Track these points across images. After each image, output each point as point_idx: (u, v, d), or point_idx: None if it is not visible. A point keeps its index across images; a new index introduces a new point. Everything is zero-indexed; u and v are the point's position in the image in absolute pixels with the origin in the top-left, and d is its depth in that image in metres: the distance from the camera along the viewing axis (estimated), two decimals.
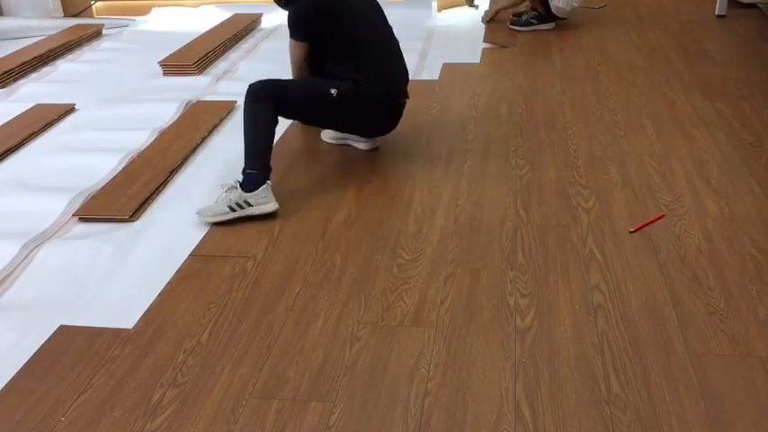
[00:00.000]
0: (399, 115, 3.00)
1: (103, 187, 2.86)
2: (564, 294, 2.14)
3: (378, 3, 3.00)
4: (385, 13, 3.00)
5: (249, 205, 2.55)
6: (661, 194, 2.65)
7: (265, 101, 2.67)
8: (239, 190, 2.56)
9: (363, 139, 3.10)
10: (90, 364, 1.95)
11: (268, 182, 2.58)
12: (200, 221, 2.59)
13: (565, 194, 2.68)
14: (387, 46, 2.93)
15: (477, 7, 5.24)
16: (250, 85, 2.70)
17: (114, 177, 2.93)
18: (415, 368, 1.88)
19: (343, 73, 2.81)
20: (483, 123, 3.34)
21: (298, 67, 2.93)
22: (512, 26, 4.72)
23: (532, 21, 4.67)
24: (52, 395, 1.85)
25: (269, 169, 2.62)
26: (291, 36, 2.88)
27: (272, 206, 2.58)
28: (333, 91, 2.76)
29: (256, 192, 2.55)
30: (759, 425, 1.67)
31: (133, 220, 2.65)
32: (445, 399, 1.78)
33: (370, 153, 3.09)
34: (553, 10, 4.59)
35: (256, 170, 2.58)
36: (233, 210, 2.55)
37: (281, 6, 2.96)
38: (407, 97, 3.01)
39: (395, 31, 3.02)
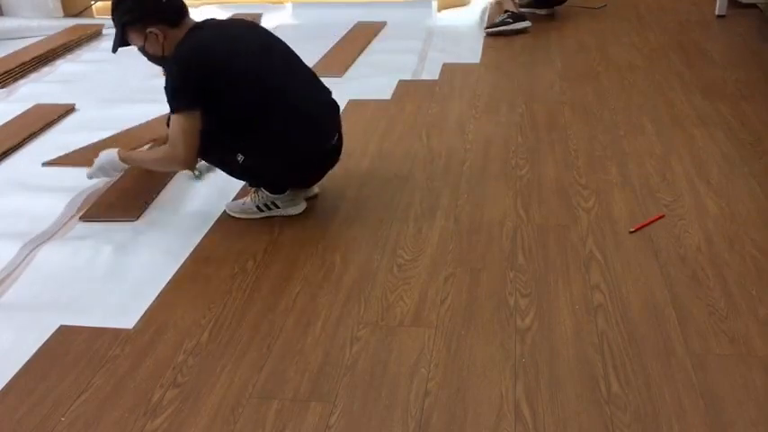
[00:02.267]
0: (338, 153, 2.56)
1: (107, 189, 2.86)
2: (564, 294, 2.14)
3: (270, 37, 2.50)
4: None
5: (276, 207, 2.54)
6: (661, 194, 2.65)
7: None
8: (266, 192, 2.53)
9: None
10: (90, 364, 1.95)
11: None
12: (200, 222, 2.59)
13: (565, 194, 2.68)
14: (295, 98, 2.40)
15: None
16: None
17: (117, 178, 2.93)
18: (415, 368, 1.88)
19: (244, 144, 2.37)
20: (483, 123, 3.34)
21: (194, 147, 2.31)
22: (487, 29, 4.60)
23: (508, 20, 4.56)
24: (52, 395, 1.85)
25: None
26: (176, 108, 2.26)
27: (300, 208, 2.57)
28: (239, 157, 2.38)
29: (285, 194, 2.54)
30: (759, 425, 1.67)
31: (133, 220, 2.65)
32: (445, 399, 1.78)
33: (369, 154, 3.08)
34: None
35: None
36: (261, 210, 2.54)
37: (158, 64, 2.44)
38: (339, 132, 2.54)
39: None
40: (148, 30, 2.30)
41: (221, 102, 2.29)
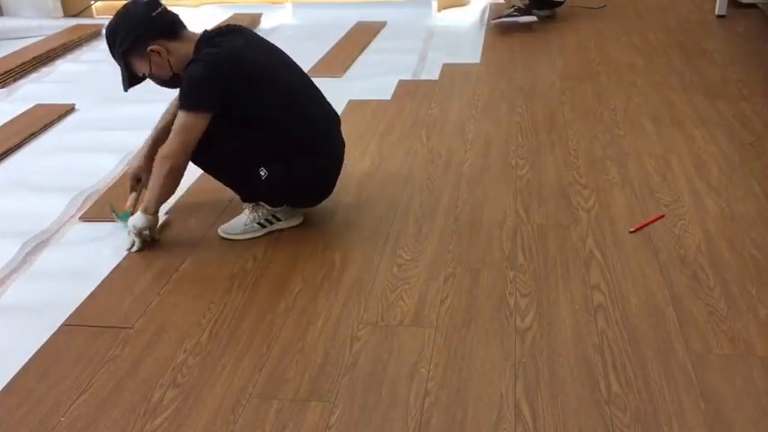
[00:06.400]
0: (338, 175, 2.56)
1: (107, 189, 2.86)
2: (564, 294, 2.14)
3: (275, 47, 2.49)
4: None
5: (278, 220, 2.51)
6: (661, 194, 2.65)
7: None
8: (266, 206, 2.49)
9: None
10: (90, 364, 1.95)
11: None
12: (200, 221, 2.59)
13: (565, 194, 2.68)
14: (311, 108, 2.45)
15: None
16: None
17: (117, 178, 2.94)
18: (415, 368, 1.88)
19: (264, 153, 2.34)
20: (483, 123, 3.34)
21: (188, 150, 2.27)
22: (494, 20, 4.66)
23: (514, 14, 4.63)
24: (52, 395, 1.85)
25: None
26: (190, 106, 2.23)
27: (298, 218, 2.54)
28: (262, 172, 2.33)
29: (283, 206, 2.51)
30: (759, 425, 1.67)
31: None
32: (445, 399, 1.78)
33: (369, 154, 3.08)
34: None
35: None
36: (263, 226, 2.49)
37: (171, 85, 2.40)
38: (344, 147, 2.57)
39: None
40: (149, 48, 2.28)
41: (244, 107, 2.28)
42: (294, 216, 2.54)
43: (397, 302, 2.14)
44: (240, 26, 2.49)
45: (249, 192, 2.49)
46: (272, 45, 2.50)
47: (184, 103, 2.24)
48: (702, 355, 1.88)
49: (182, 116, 2.25)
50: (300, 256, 2.39)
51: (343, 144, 2.57)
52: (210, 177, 2.55)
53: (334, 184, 2.56)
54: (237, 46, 2.32)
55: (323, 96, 2.53)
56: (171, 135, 2.28)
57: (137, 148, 3.19)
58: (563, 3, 4.85)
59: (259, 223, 2.49)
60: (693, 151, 2.97)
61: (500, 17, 4.67)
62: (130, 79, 2.38)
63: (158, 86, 2.46)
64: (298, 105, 2.40)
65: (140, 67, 2.34)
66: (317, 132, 2.45)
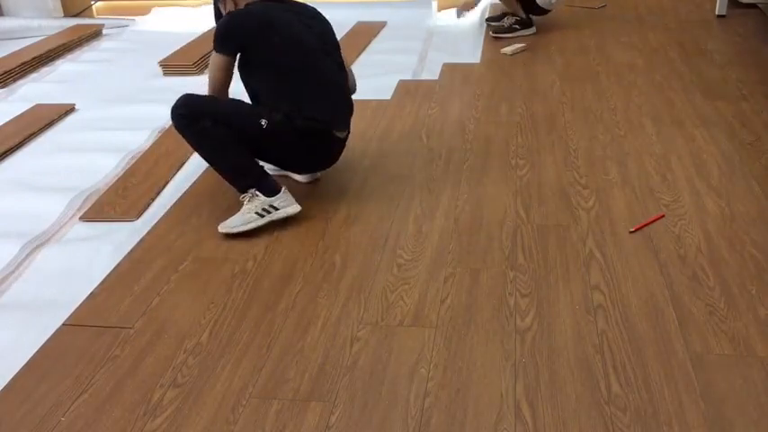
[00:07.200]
0: (340, 150, 2.75)
1: (107, 189, 2.86)
2: (564, 294, 2.14)
3: (321, 24, 2.77)
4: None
5: (275, 209, 2.52)
6: (661, 194, 2.65)
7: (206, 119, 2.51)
8: (262, 197, 2.51)
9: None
10: (90, 364, 1.95)
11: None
12: (201, 222, 2.59)
13: (565, 194, 2.68)
14: (323, 73, 2.66)
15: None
16: (178, 107, 2.54)
17: (117, 178, 2.94)
18: (415, 368, 1.88)
19: (272, 101, 2.58)
20: (483, 123, 3.34)
21: (217, 83, 2.64)
22: (494, 34, 4.61)
23: (515, 27, 4.60)
24: (52, 395, 1.85)
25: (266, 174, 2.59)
26: (214, 49, 2.63)
27: (296, 207, 2.56)
28: (263, 122, 2.52)
29: (279, 195, 2.53)
30: (759, 425, 1.67)
31: (133, 220, 2.65)
32: (445, 399, 1.78)
33: (369, 154, 3.09)
34: (540, 2, 4.54)
35: (262, 179, 2.54)
36: (261, 216, 2.51)
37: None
38: (349, 131, 2.76)
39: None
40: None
41: (257, 57, 2.60)
42: (290, 204, 2.54)
43: (397, 302, 2.14)
44: (294, 2, 2.76)
45: (246, 167, 2.55)
46: (306, 20, 2.71)
47: (213, 46, 2.63)
48: (702, 355, 1.88)
49: (211, 56, 2.67)
50: (300, 255, 2.39)
51: (347, 124, 2.72)
52: (210, 178, 2.55)
53: (327, 157, 2.72)
54: (249, 10, 2.66)
55: (345, 82, 2.75)
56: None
57: (137, 148, 3.23)
58: (550, 10, 4.79)
59: (257, 213, 2.51)
60: (693, 151, 2.97)
61: (501, 30, 4.60)
62: (216, 18, 2.82)
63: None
64: (308, 63, 2.62)
65: (222, 7, 2.75)
66: (324, 95, 2.63)
